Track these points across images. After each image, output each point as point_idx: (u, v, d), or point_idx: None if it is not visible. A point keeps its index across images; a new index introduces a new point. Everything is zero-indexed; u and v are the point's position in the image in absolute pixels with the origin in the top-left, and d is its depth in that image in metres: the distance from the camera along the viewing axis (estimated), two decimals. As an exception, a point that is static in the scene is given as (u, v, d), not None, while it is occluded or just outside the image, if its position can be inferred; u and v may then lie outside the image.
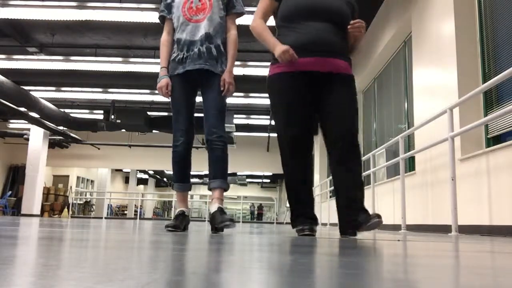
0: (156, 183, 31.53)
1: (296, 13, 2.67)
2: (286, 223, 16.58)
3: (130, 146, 18.24)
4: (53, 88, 12.86)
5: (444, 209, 4.84)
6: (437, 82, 5.26)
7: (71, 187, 21.89)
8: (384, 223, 7.14)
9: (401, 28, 6.80)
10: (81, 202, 23.01)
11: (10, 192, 18.22)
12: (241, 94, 12.61)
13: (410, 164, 6.51)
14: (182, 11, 3.00)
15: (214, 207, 2.78)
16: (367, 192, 7.27)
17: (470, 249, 1.57)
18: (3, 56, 10.02)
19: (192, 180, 29.27)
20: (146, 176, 29.56)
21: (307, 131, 2.69)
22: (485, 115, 4.54)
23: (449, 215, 4.14)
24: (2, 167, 19.13)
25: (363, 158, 6.29)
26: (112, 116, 12.96)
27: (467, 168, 4.40)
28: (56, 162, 19.49)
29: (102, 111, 14.52)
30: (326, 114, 2.69)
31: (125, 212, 27.64)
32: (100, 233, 2.26)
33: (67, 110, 15.29)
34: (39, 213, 14.98)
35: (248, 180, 31.01)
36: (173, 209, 20.78)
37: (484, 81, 4.62)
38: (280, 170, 20.36)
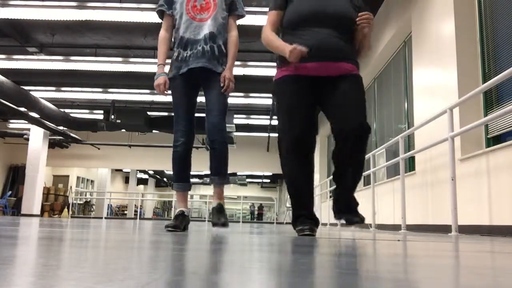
0: (156, 183, 31.53)
1: (299, 20, 2.70)
2: (286, 223, 16.58)
3: (130, 146, 18.24)
4: (53, 88, 12.86)
5: (444, 209, 4.84)
6: (437, 82, 5.26)
7: (71, 187, 21.89)
8: (384, 223, 7.14)
9: (401, 28, 6.79)
10: (81, 202, 23.01)
11: (10, 192, 18.22)
12: (241, 94, 12.60)
13: (410, 164, 6.51)
14: (186, 9, 2.99)
15: (214, 203, 2.97)
16: (368, 192, 7.28)
17: (470, 249, 1.57)
18: (3, 56, 10.02)
19: (192, 180, 29.22)
20: (146, 176, 29.56)
21: (309, 132, 2.71)
22: (485, 115, 4.54)
23: (449, 215, 4.14)
24: (2, 167, 19.13)
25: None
26: (112, 116, 12.97)
27: (467, 168, 4.40)
28: (56, 162, 19.49)
29: (102, 111, 14.52)
30: (329, 108, 2.71)
31: (125, 212, 27.64)
32: (100, 233, 2.26)
33: (67, 110, 15.28)
34: (39, 213, 14.97)
35: (248, 180, 31.00)
36: (173, 209, 20.78)
37: (484, 81, 4.62)
38: (280, 170, 20.32)
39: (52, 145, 17.49)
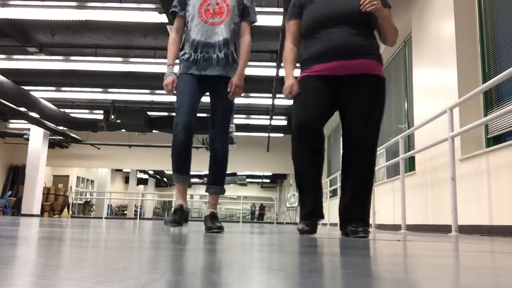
0: (156, 183, 31.54)
1: (314, 24, 2.76)
2: (286, 223, 16.58)
3: (130, 146, 18.24)
4: (53, 88, 12.86)
5: (444, 209, 4.84)
6: (437, 82, 5.26)
7: (71, 187, 21.89)
8: (384, 223, 7.14)
9: (401, 28, 6.79)
10: (81, 202, 23.01)
11: (10, 192, 18.22)
12: (241, 94, 12.60)
13: (410, 164, 6.51)
14: (198, 11, 2.99)
15: (207, 211, 3.00)
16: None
17: (470, 249, 1.57)
18: (3, 56, 10.02)
19: (192, 180, 29.31)
20: (146, 176, 29.56)
21: (317, 121, 2.72)
22: (485, 115, 4.55)
23: (449, 215, 4.14)
24: (2, 167, 19.13)
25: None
26: (112, 116, 12.97)
27: (467, 168, 4.40)
28: (56, 162, 19.49)
29: (102, 111, 14.53)
30: (345, 113, 2.76)
31: (125, 212, 27.64)
32: (100, 233, 2.26)
33: (67, 110, 15.29)
34: (39, 213, 14.97)
35: (248, 180, 31.01)
36: (173, 209, 20.75)
37: (484, 81, 4.62)
38: (280, 170, 20.38)
39: (52, 145, 17.49)
